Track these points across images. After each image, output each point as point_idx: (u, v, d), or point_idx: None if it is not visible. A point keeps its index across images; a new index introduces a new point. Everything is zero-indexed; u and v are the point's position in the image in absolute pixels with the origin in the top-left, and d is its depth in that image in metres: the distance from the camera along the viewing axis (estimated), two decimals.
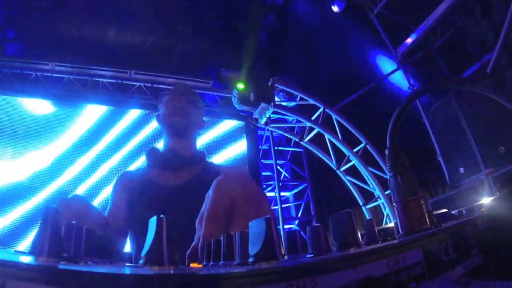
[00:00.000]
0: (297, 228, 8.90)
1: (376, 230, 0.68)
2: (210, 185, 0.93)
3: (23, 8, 7.42)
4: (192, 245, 0.89)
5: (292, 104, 8.19)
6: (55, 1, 7.38)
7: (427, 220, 0.70)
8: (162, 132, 2.08)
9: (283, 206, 8.46)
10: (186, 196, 1.66)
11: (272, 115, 7.85)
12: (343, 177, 7.45)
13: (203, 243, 0.77)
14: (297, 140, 8.12)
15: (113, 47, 8.04)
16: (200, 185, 1.46)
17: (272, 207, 8.35)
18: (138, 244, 1.69)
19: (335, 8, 7.68)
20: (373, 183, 6.86)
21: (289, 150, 9.61)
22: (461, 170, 5.61)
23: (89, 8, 7.63)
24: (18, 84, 7.39)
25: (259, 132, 9.23)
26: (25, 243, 6.31)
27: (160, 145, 2.10)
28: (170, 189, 1.82)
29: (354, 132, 7.14)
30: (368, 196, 7.17)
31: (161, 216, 0.47)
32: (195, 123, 2.12)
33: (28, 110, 7.27)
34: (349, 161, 7.23)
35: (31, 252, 0.47)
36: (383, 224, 6.63)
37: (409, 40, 6.94)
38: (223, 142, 8.51)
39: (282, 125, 8.31)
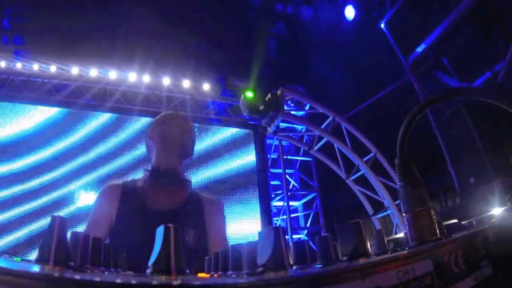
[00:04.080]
0: (306, 238, 8.84)
1: (385, 240, 0.68)
2: (194, 213, 1.45)
3: (30, 14, 7.52)
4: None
5: (301, 112, 8.20)
6: (63, 6, 7.46)
7: (437, 230, 0.69)
8: (159, 150, 2.04)
9: (291, 216, 8.42)
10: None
11: (281, 124, 7.85)
12: (352, 187, 7.41)
13: None
14: (306, 149, 8.10)
15: (122, 52, 8.09)
16: (187, 214, 1.87)
17: (281, 217, 8.50)
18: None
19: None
20: (382, 193, 6.82)
21: (298, 159, 9.58)
22: (471, 180, 5.55)
23: (98, 14, 7.70)
24: (25, 91, 7.51)
25: (268, 141, 9.23)
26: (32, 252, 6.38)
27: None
28: (160, 213, 1.79)
29: (363, 141, 7.11)
30: (378, 206, 7.12)
31: (169, 225, 0.47)
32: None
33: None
34: (359, 170, 7.19)
35: (38, 261, 0.47)
36: (393, 234, 6.58)
37: (419, 49, 6.92)
38: (231, 151, 8.52)
39: (291, 134, 8.31)
